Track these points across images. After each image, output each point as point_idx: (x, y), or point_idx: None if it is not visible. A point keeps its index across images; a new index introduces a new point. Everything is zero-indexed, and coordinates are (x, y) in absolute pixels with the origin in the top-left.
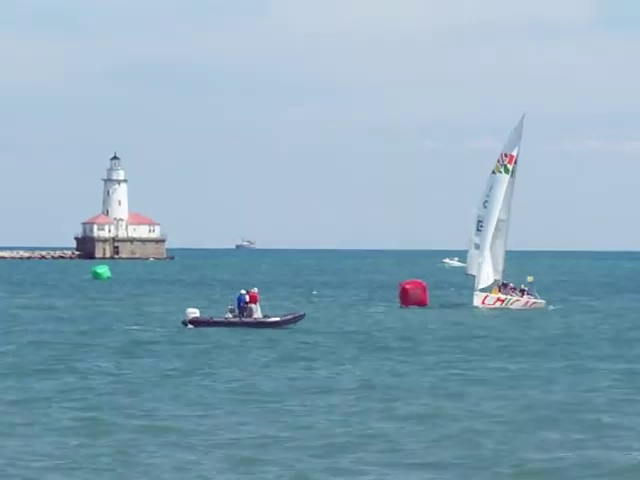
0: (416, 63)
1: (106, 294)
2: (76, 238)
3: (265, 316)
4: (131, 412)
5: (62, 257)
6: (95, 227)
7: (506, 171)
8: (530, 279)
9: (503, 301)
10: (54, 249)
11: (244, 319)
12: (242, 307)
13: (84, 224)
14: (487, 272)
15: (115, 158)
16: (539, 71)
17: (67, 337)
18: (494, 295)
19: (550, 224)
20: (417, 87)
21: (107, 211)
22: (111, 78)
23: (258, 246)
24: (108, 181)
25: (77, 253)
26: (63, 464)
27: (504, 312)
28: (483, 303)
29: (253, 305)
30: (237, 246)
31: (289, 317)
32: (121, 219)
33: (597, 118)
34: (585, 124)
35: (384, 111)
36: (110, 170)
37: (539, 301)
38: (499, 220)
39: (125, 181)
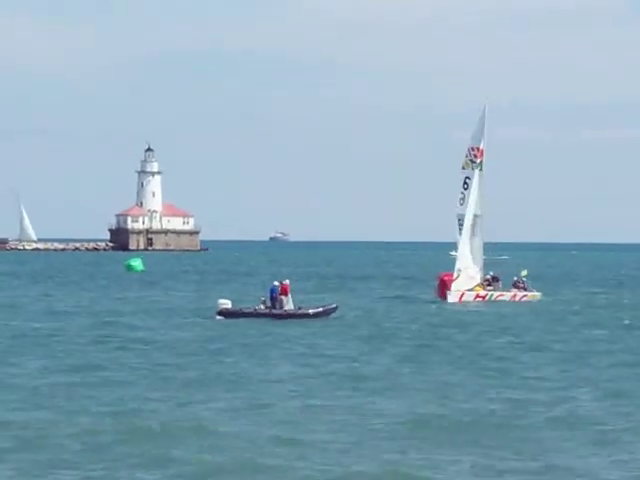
0: (447, 50)
1: (142, 286)
2: (110, 230)
3: (299, 308)
4: None
5: (96, 249)
6: (129, 219)
7: (476, 166)
8: (524, 273)
9: (484, 297)
10: (88, 241)
11: (274, 311)
12: (274, 298)
13: (118, 216)
14: (469, 275)
15: (149, 150)
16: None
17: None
18: (473, 292)
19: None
20: (451, 74)
21: (141, 203)
22: (147, 69)
23: (292, 238)
24: (142, 173)
25: (111, 245)
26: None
27: (478, 307)
28: (460, 301)
29: (284, 297)
30: (271, 238)
31: (320, 310)
32: (155, 211)
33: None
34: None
35: (417, 98)
36: (144, 162)
37: (531, 294)
38: (475, 216)
39: (159, 173)
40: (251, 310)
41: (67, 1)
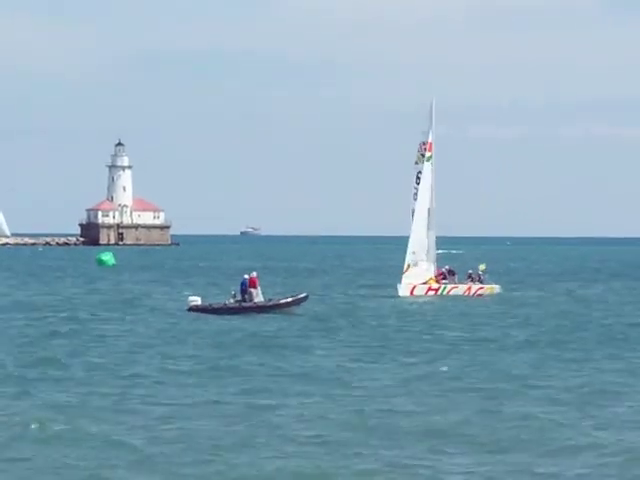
0: (448, 48)
1: (109, 280)
2: (80, 224)
3: (269, 299)
4: None
5: (67, 244)
6: (100, 213)
7: (427, 159)
8: (482, 267)
9: (437, 290)
10: (58, 235)
11: (244, 304)
12: (244, 291)
13: (88, 210)
14: (423, 268)
15: (119, 144)
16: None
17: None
18: (425, 285)
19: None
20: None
21: (112, 197)
22: (116, 65)
23: (263, 232)
24: (113, 167)
25: (82, 240)
26: None
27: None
28: (412, 294)
29: (253, 290)
30: (242, 232)
31: (289, 300)
32: (125, 205)
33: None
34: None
35: (417, 98)
36: (114, 156)
37: (488, 287)
38: (428, 209)
39: (130, 167)
40: (221, 305)
41: (65, 1)
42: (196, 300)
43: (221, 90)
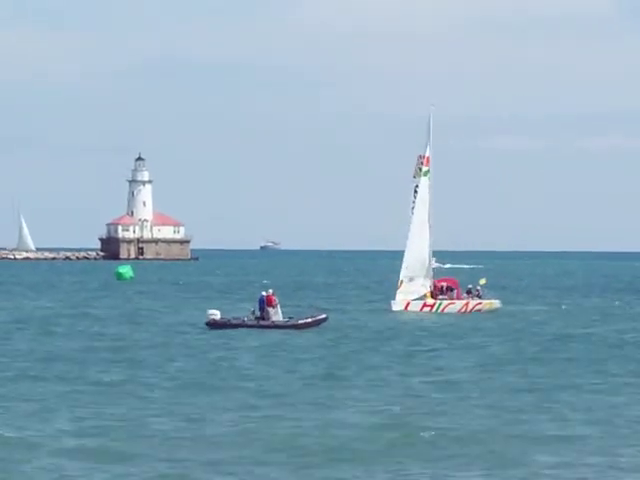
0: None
1: (129, 295)
2: (101, 239)
3: (289, 318)
4: None
5: (87, 258)
6: (120, 228)
7: (424, 174)
8: (482, 281)
9: (432, 306)
10: (79, 250)
11: (262, 322)
12: (262, 309)
13: (109, 225)
14: (419, 283)
15: (140, 159)
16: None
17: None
18: (420, 301)
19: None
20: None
21: (132, 212)
22: (136, 78)
23: (283, 247)
24: (133, 182)
25: (102, 254)
26: None
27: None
28: (406, 309)
29: (270, 308)
30: (262, 247)
31: (309, 320)
32: (146, 220)
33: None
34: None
35: (416, 106)
36: (135, 171)
37: (487, 302)
38: (426, 224)
39: (150, 182)
40: (239, 321)
41: (61, 10)
42: (215, 314)
43: (241, 104)
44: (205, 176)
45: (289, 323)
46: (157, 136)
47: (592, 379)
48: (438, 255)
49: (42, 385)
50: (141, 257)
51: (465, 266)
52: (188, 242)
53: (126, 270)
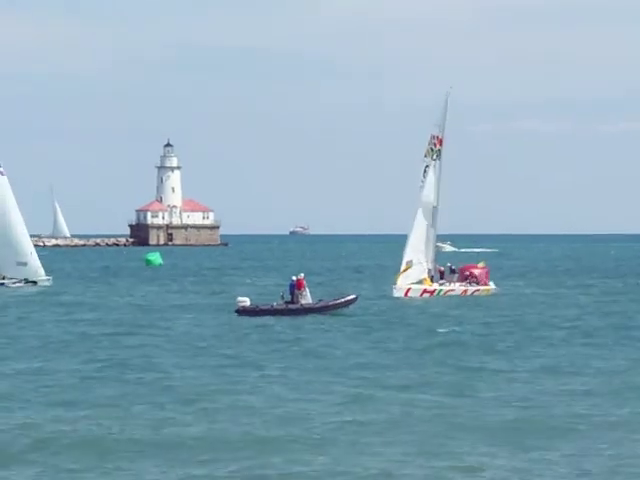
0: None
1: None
2: (130, 225)
3: (319, 300)
4: None
5: (116, 244)
6: (149, 214)
7: (435, 153)
8: (481, 264)
9: (432, 292)
10: (108, 236)
11: (291, 306)
12: (293, 293)
13: (138, 211)
14: (421, 268)
15: (168, 145)
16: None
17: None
18: (420, 287)
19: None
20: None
21: (161, 198)
22: (165, 64)
23: (312, 231)
24: (162, 168)
25: (131, 240)
26: None
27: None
28: (406, 295)
29: (301, 291)
30: (291, 232)
31: (339, 301)
32: (175, 206)
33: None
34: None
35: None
36: (163, 157)
37: (484, 287)
38: (433, 207)
39: (179, 168)
40: (268, 307)
41: (83, 1)
42: (245, 301)
43: (241, 86)
44: (234, 162)
45: (318, 305)
46: (185, 122)
47: None
48: (451, 238)
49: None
50: (170, 243)
51: (476, 250)
52: (217, 228)
53: (155, 257)
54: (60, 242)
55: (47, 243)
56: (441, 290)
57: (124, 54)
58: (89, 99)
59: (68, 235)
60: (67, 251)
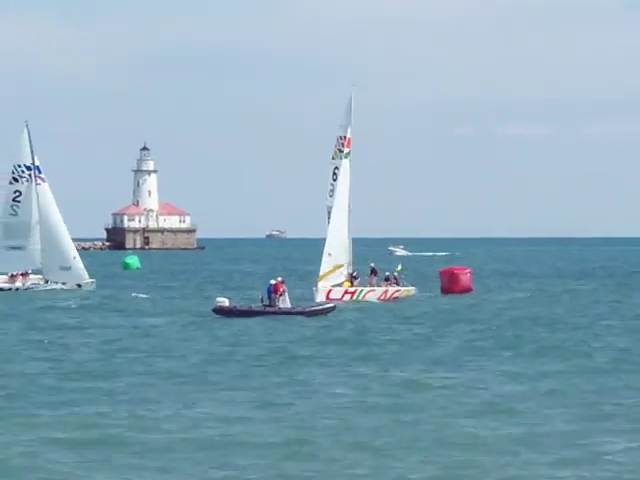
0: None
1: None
2: (106, 229)
3: (295, 306)
4: None
5: (93, 248)
6: (125, 218)
7: (345, 155)
8: (398, 268)
9: (353, 293)
10: (84, 240)
11: (268, 309)
12: (271, 298)
13: (114, 215)
14: (340, 270)
15: (145, 149)
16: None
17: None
18: (341, 288)
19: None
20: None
21: (137, 202)
22: (139, 67)
23: (288, 235)
24: (138, 172)
25: (107, 244)
26: None
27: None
28: (328, 297)
29: (278, 296)
30: (267, 235)
31: (316, 308)
32: (151, 210)
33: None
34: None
35: (420, 96)
36: (140, 161)
37: (405, 289)
38: (347, 209)
39: (155, 172)
40: (246, 308)
41: (67, 3)
42: (224, 301)
43: (245, 92)
44: (210, 165)
45: (295, 310)
46: (161, 125)
47: None
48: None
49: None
50: (147, 247)
51: (428, 253)
52: (194, 231)
53: (133, 261)
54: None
55: None
56: (361, 291)
57: (97, 56)
58: (64, 101)
59: None
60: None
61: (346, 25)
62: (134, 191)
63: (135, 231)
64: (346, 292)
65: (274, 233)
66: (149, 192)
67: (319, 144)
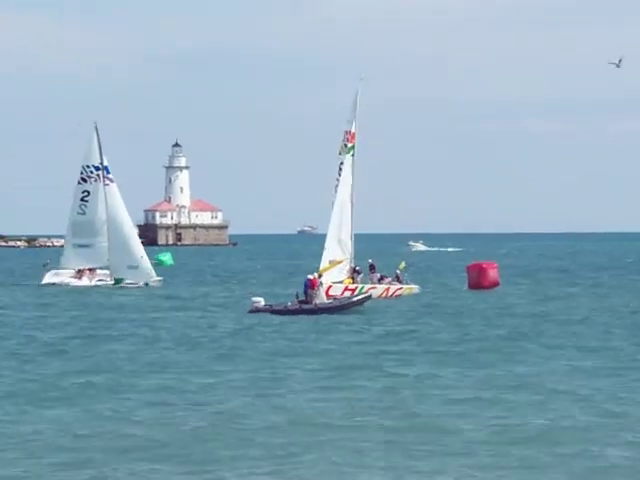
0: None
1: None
2: (138, 225)
3: (334, 300)
4: None
5: None
6: (157, 214)
7: (348, 150)
8: (402, 265)
9: (353, 291)
10: None
11: (304, 306)
12: (306, 293)
13: (146, 211)
14: (340, 266)
15: (177, 145)
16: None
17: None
18: (341, 285)
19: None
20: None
21: (169, 198)
22: (173, 64)
23: (320, 231)
24: (170, 168)
25: (140, 240)
26: None
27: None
28: (327, 294)
29: (313, 291)
30: (299, 231)
31: (353, 300)
32: (183, 206)
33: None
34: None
35: (433, 90)
36: (172, 157)
37: (407, 287)
38: (350, 204)
39: (187, 168)
40: (281, 307)
41: (96, 1)
42: (259, 301)
43: (249, 86)
44: (242, 161)
45: (332, 305)
46: (194, 122)
47: None
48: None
49: None
50: (179, 243)
51: (450, 249)
52: (226, 227)
53: (167, 257)
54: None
55: (56, 244)
56: (362, 288)
57: (131, 55)
58: (96, 99)
59: None
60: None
61: (346, 25)
62: (166, 187)
63: (167, 227)
64: (346, 289)
65: (306, 229)
66: (181, 188)
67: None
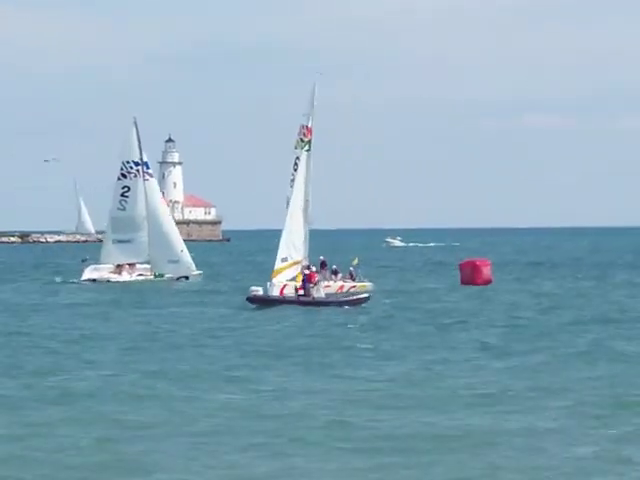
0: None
1: None
2: None
3: (329, 296)
4: None
5: None
6: None
7: (304, 145)
8: (355, 262)
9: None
10: None
11: (302, 299)
12: (304, 287)
13: None
14: (296, 264)
15: (170, 140)
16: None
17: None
18: (296, 284)
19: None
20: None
21: (163, 193)
22: (164, 60)
23: (315, 227)
24: (163, 163)
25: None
26: None
27: None
28: (281, 293)
29: (311, 285)
30: None
31: (350, 299)
32: (177, 201)
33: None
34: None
35: (434, 89)
36: (165, 152)
37: (360, 284)
38: (305, 200)
39: (180, 163)
40: (280, 297)
41: (68, 3)
42: (258, 290)
43: (269, 86)
44: (235, 157)
45: (329, 300)
46: (187, 117)
47: None
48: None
49: None
50: None
51: (429, 244)
52: (219, 223)
53: None
54: (62, 238)
55: (49, 239)
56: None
57: (123, 51)
58: (89, 94)
59: (92, 231)
60: (88, 247)
61: (346, 25)
62: (159, 183)
63: None
64: (300, 288)
65: None
66: (174, 184)
67: (347, 135)
